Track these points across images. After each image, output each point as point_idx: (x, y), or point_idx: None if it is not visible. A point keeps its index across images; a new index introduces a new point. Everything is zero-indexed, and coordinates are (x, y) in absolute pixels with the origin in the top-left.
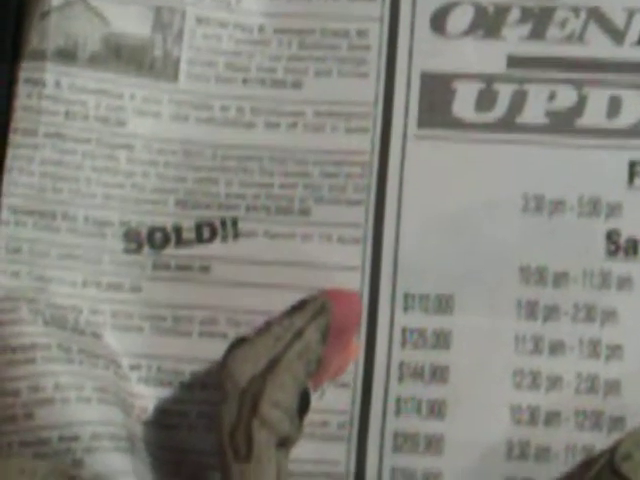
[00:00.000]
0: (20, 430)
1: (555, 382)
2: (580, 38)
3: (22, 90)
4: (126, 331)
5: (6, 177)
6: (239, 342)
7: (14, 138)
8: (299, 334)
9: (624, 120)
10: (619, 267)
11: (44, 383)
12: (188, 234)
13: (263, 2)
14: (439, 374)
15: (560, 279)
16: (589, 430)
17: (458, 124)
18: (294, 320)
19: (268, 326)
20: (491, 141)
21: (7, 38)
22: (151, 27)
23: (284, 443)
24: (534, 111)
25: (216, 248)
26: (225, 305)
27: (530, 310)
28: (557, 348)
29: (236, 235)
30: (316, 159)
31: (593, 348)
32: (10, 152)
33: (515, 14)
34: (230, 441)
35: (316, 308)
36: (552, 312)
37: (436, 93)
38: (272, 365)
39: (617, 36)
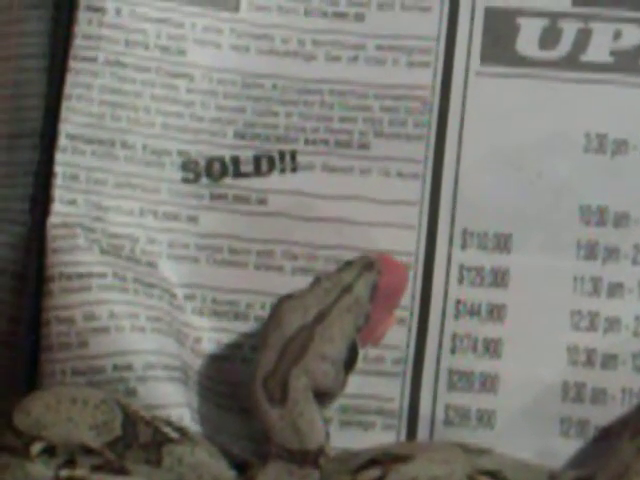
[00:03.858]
0: (74, 358)
1: (613, 324)
2: None
3: (82, 17)
4: (182, 261)
5: (64, 104)
6: (288, 296)
7: (73, 65)
8: (348, 288)
9: None
10: None
11: (99, 311)
12: (246, 165)
13: None
14: (496, 312)
15: (621, 220)
16: None
17: (521, 61)
18: (343, 275)
19: (317, 281)
20: (554, 79)
21: None
22: None
23: (322, 397)
24: (599, 49)
25: (274, 180)
26: (282, 238)
27: (589, 250)
28: (616, 290)
29: (294, 168)
30: (377, 93)
31: None
32: (69, 79)
33: None
34: (263, 386)
35: (364, 264)
36: (612, 253)
37: (500, 29)
38: (321, 317)
39: None
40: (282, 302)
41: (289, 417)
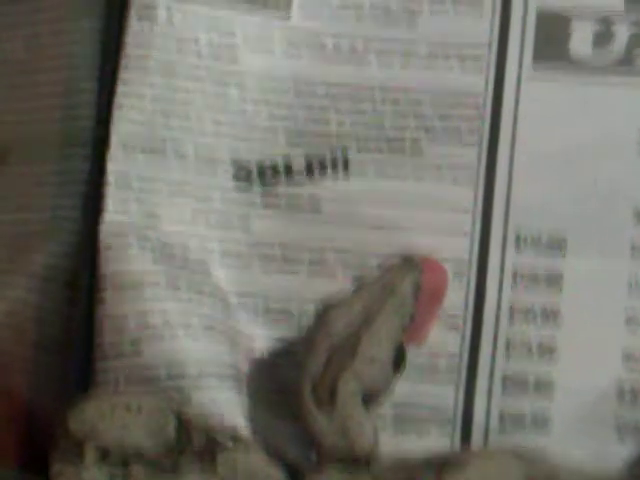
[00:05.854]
0: (127, 366)
1: None
2: None
3: (134, 25)
4: (234, 268)
5: (116, 113)
6: (335, 302)
7: (125, 74)
8: (392, 290)
9: None
10: None
11: (152, 320)
12: (298, 172)
13: None
14: (550, 317)
15: None
16: None
17: (574, 64)
18: (386, 277)
19: (362, 285)
20: (607, 83)
21: None
22: None
23: (371, 400)
24: None
25: (327, 187)
26: (335, 245)
27: None
28: None
29: (347, 174)
30: (430, 99)
31: None
32: (120, 88)
33: None
34: (311, 392)
35: (407, 265)
36: None
37: (552, 32)
38: (367, 321)
39: None
40: (328, 307)
41: (338, 422)
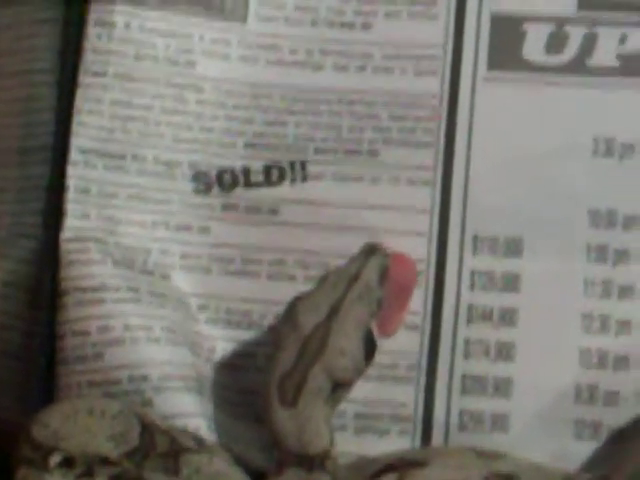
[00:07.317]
0: (90, 370)
1: (624, 326)
2: None
3: (92, 32)
4: (195, 272)
5: (75, 118)
6: (300, 297)
7: (84, 79)
8: (355, 277)
9: None
10: None
11: (113, 323)
12: (257, 176)
13: None
14: (508, 317)
15: (630, 222)
16: None
17: (528, 66)
18: (349, 266)
19: (325, 277)
20: (561, 84)
21: None
22: None
23: (340, 388)
24: (605, 54)
25: (285, 190)
26: (293, 247)
27: (600, 253)
28: (627, 292)
29: (304, 177)
30: (385, 101)
31: None
32: (79, 93)
33: None
34: (279, 386)
35: (367, 250)
36: (622, 256)
37: (506, 35)
38: (334, 311)
39: None
40: (295, 303)
41: (297, 420)
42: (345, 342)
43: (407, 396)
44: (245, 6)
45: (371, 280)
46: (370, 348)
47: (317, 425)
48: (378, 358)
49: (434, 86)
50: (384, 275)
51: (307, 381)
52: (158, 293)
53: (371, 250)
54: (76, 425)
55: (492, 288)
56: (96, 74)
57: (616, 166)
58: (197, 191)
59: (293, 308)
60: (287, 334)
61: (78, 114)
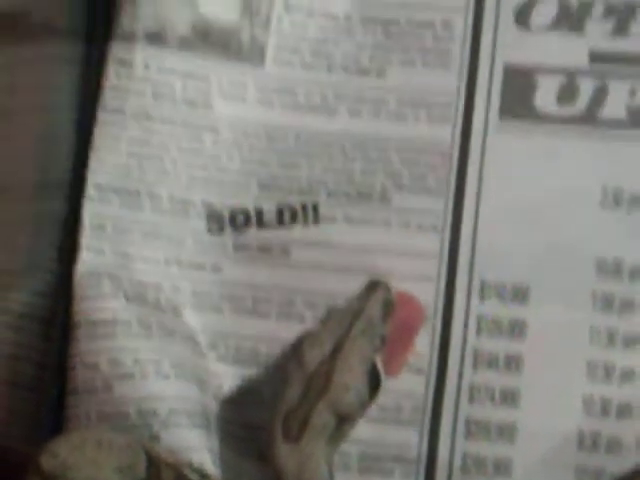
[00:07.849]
0: (99, 402)
1: (628, 375)
2: None
3: (111, 70)
4: (205, 310)
5: (93, 155)
6: (307, 333)
7: (102, 117)
8: (359, 313)
9: None
10: None
11: (124, 358)
12: (269, 217)
13: None
14: (513, 363)
15: (636, 273)
16: None
17: (539, 117)
18: (353, 302)
19: (330, 313)
20: (571, 134)
21: (98, 19)
22: (239, 12)
23: (345, 423)
24: (615, 106)
25: (296, 232)
26: (303, 288)
27: (605, 303)
28: (631, 342)
29: (316, 220)
30: (397, 147)
31: None
32: (97, 130)
33: (599, 9)
34: (283, 422)
35: (370, 285)
36: (627, 305)
37: (518, 85)
38: (338, 347)
39: None
40: (301, 340)
41: (299, 457)
42: (349, 377)
43: (411, 438)
44: (262, 50)
45: (374, 315)
46: (375, 383)
47: (317, 463)
48: (383, 400)
49: (446, 133)
50: (388, 311)
51: (312, 418)
52: (169, 329)
53: (374, 286)
54: (84, 456)
55: (498, 334)
56: (114, 112)
57: (624, 217)
58: (210, 230)
59: (299, 345)
60: (293, 370)
61: (95, 151)
